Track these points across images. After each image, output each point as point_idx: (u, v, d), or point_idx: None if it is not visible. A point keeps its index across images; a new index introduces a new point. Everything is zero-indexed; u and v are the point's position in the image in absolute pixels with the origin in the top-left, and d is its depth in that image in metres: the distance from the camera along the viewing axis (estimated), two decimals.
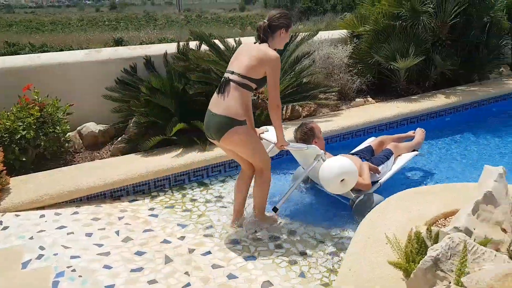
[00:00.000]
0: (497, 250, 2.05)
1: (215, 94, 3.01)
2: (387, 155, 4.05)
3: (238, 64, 2.94)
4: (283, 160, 4.53)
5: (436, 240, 2.02)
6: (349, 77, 6.37)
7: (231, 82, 2.91)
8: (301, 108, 5.75)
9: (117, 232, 3.28)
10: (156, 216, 3.61)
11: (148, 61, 5.34)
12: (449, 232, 2.04)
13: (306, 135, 3.65)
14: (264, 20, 3.00)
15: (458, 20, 6.85)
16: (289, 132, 4.22)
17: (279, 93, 2.96)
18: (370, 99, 6.44)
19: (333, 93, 6.06)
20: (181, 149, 4.51)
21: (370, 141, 4.44)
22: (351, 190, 3.37)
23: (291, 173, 4.29)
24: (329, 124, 5.37)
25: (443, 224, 2.53)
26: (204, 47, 5.51)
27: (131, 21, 31.77)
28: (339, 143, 5.36)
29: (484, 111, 6.67)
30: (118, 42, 12.52)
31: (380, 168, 3.83)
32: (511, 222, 2.28)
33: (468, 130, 5.89)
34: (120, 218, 3.51)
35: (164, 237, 3.24)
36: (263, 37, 2.97)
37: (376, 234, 2.47)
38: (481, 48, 7.23)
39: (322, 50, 6.17)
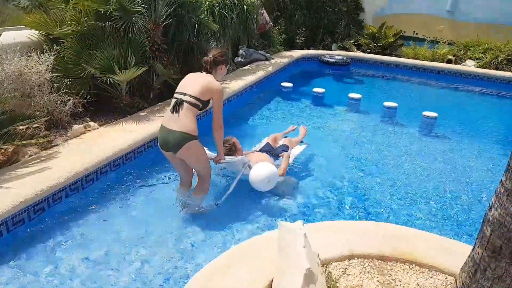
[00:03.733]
0: None
1: (168, 112, 3.47)
2: (286, 149, 4.70)
3: (191, 88, 3.44)
4: None
5: None
6: (58, 98, 4.59)
7: (184, 103, 3.39)
8: None
9: None
10: None
11: None
12: None
13: (231, 150, 4.14)
14: (210, 55, 3.58)
15: (170, 21, 6.10)
16: None
17: (221, 117, 3.49)
18: (91, 123, 4.87)
19: (40, 124, 4.20)
20: None
21: (266, 140, 5.03)
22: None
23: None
24: (42, 176, 3.60)
25: None
26: None
27: None
28: (64, 203, 3.73)
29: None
30: None
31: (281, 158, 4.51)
32: None
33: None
34: None
35: None
36: (208, 69, 3.57)
37: None
38: (196, 51, 6.76)
39: (9, 63, 4.12)
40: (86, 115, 5.05)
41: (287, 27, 11.13)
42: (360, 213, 4.08)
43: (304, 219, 3.80)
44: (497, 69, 10.05)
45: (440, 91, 9.66)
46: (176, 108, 3.37)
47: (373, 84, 9.89)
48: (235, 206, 3.96)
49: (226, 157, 3.95)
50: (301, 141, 5.19)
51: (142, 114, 5.40)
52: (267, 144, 4.89)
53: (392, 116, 7.33)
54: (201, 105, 3.43)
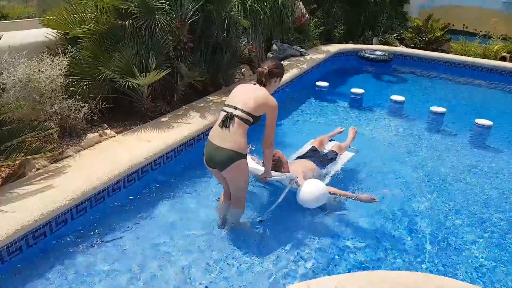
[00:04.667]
0: None
1: (217, 126, 3.20)
2: (334, 156, 4.49)
3: (243, 101, 3.17)
4: None
5: None
6: (73, 104, 4.22)
7: (235, 118, 3.11)
8: None
9: None
10: None
11: None
12: None
13: (277, 166, 3.83)
14: (265, 67, 3.30)
15: (198, 18, 5.61)
16: None
17: (273, 134, 3.28)
18: (108, 130, 4.48)
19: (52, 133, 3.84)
20: None
21: (311, 143, 4.78)
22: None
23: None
24: (45, 196, 3.23)
25: None
26: None
27: None
28: (68, 226, 3.37)
29: None
30: None
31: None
32: None
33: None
34: None
35: None
36: (263, 81, 3.29)
37: None
38: (225, 49, 6.26)
39: (17, 68, 3.75)
40: (104, 121, 4.66)
41: (324, 19, 10.39)
42: (406, 256, 3.48)
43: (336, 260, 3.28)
44: None
45: (494, 92, 8.69)
46: (226, 123, 3.13)
47: (417, 83, 9.04)
48: (279, 222, 3.70)
49: (273, 173, 3.72)
50: (349, 146, 4.85)
51: (163, 119, 4.96)
52: (313, 148, 4.60)
53: (439, 123, 6.55)
54: (253, 120, 3.17)
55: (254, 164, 3.95)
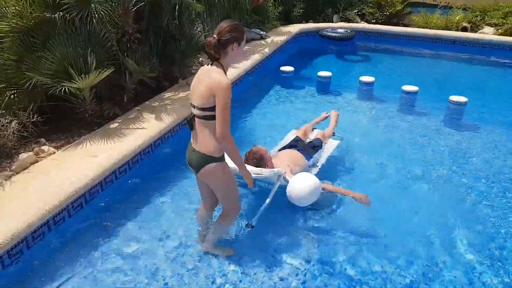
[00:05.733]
0: None
1: None
2: (319, 143, 4.10)
3: (197, 96, 2.58)
4: None
5: None
6: None
7: (196, 118, 2.62)
8: None
9: None
10: None
11: None
12: None
13: (260, 163, 3.48)
14: (214, 35, 2.51)
15: (144, 5, 4.85)
16: None
17: (227, 126, 2.49)
18: (45, 147, 3.71)
19: None
20: None
21: (295, 133, 4.38)
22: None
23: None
24: None
25: None
26: None
27: None
28: None
29: None
30: None
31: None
32: None
33: None
34: None
35: None
36: (214, 55, 2.54)
37: None
38: (178, 38, 5.52)
39: None
40: (40, 135, 3.90)
41: None
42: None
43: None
44: None
45: (461, 65, 8.40)
46: (190, 126, 2.69)
47: (383, 61, 8.60)
48: (271, 226, 3.29)
49: (253, 171, 3.24)
50: (333, 133, 4.45)
51: (113, 126, 4.24)
52: (296, 138, 4.20)
53: (412, 102, 6.16)
54: (212, 112, 2.52)
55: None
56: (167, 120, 4.41)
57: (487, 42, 8.63)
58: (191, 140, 2.73)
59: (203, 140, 2.62)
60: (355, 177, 4.06)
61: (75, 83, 3.72)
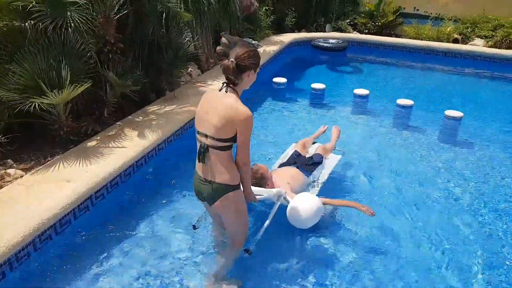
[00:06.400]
0: None
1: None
2: (320, 159, 3.83)
3: (211, 125, 2.38)
4: None
5: None
6: None
7: (210, 148, 2.41)
8: None
9: None
10: None
11: None
12: None
13: (260, 184, 3.23)
14: (231, 59, 2.29)
15: (127, 13, 4.46)
16: None
17: (249, 151, 2.43)
18: (12, 170, 3.28)
19: None
20: None
21: (294, 147, 4.14)
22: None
23: None
24: None
25: None
26: None
27: None
28: None
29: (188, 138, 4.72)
30: None
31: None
32: None
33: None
34: None
35: None
36: (234, 80, 2.35)
37: None
38: (165, 48, 5.13)
39: None
40: (7, 155, 3.46)
41: (275, 7, 9.42)
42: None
43: None
44: (509, 48, 8.58)
45: (455, 78, 8.14)
46: (201, 158, 2.46)
47: (376, 72, 8.32)
48: (271, 250, 3.01)
49: (256, 192, 2.91)
50: (335, 147, 4.23)
51: (90, 144, 3.82)
52: (296, 153, 3.97)
53: (407, 116, 5.85)
54: (230, 143, 2.41)
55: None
56: (151, 137, 4.01)
57: (478, 54, 8.43)
58: (199, 170, 2.52)
59: (218, 169, 2.44)
60: (353, 193, 3.80)
61: (46, 99, 3.30)
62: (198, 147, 2.49)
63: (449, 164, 4.43)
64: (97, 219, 3.23)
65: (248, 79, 2.40)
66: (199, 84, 5.69)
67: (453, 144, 5.05)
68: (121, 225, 3.22)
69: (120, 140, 3.91)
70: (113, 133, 4.07)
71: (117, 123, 4.30)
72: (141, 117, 4.50)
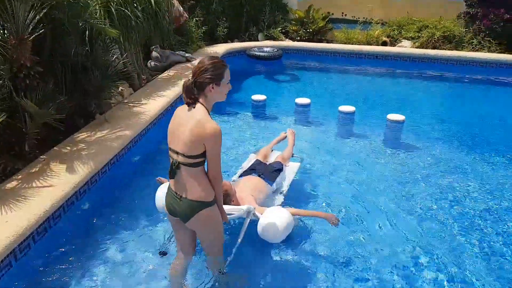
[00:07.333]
0: None
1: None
2: (280, 167, 3.81)
3: (181, 142, 2.37)
4: None
5: None
6: None
7: (181, 166, 2.40)
8: None
9: None
10: None
11: None
12: None
13: (226, 200, 3.07)
14: (188, 78, 2.37)
15: (43, 32, 3.98)
16: None
17: (219, 166, 2.42)
18: None
19: None
20: None
21: (255, 157, 4.08)
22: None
23: None
24: None
25: None
26: None
27: None
28: None
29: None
30: None
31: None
32: None
33: None
34: None
35: None
36: (193, 98, 2.36)
37: None
38: (91, 68, 4.67)
39: None
40: None
41: (205, 17, 9.18)
42: None
43: None
44: (434, 48, 9.12)
45: (391, 80, 8.44)
46: (172, 174, 2.45)
47: (313, 79, 8.40)
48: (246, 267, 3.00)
49: (227, 211, 2.84)
50: (292, 154, 4.21)
51: (10, 185, 3.30)
52: (257, 162, 3.92)
53: (350, 122, 5.90)
54: (201, 159, 2.38)
55: None
56: (81, 172, 3.57)
57: (407, 55, 8.83)
58: (173, 187, 2.50)
59: (192, 186, 2.42)
60: (315, 201, 3.85)
61: None
62: (170, 163, 2.45)
63: (397, 167, 4.52)
64: (22, 277, 2.76)
65: (214, 92, 2.34)
66: (131, 105, 5.27)
67: (397, 147, 5.16)
68: (54, 281, 2.79)
69: (46, 177, 3.43)
70: (37, 169, 3.57)
71: (41, 157, 3.79)
72: (68, 147, 4.02)
